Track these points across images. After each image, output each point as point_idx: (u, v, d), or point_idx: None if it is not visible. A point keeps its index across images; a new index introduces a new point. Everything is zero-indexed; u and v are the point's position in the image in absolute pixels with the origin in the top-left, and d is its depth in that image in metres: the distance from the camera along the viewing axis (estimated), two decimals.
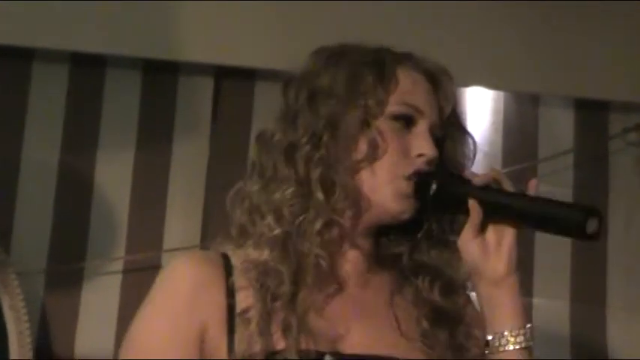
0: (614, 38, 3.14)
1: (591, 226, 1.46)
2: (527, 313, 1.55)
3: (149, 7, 2.96)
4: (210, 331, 1.52)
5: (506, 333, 1.53)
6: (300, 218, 1.54)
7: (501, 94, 3.18)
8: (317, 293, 1.55)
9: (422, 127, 1.59)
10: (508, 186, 1.56)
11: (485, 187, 1.55)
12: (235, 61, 3.03)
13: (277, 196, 1.56)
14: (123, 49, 2.98)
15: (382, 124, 1.57)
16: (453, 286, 1.64)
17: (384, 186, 1.57)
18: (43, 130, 2.99)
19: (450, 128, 1.65)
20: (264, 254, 1.55)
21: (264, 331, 1.49)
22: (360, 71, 1.59)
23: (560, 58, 3.11)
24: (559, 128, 3.20)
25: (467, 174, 1.60)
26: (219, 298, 1.53)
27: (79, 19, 2.95)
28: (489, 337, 1.55)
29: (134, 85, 3.05)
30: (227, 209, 1.63)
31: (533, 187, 1.55)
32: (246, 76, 3.07)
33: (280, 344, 1.50)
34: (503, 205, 1.53)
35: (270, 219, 1.56)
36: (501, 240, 1.54)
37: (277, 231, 1.54)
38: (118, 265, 2.96)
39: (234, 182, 3.13)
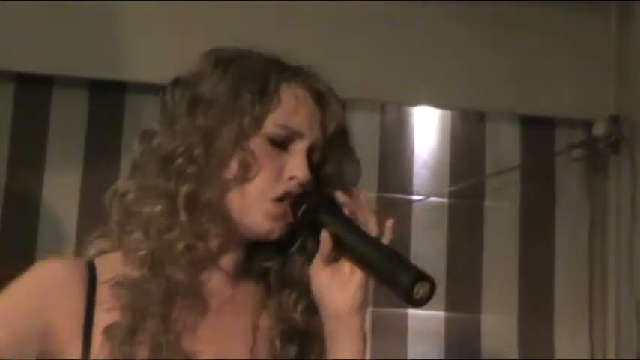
0: (558, 56, 3.19)
1: (420, 290, 1.40)
2: (364, 354, 1.49)
3: (95, 28, 2.96)
4: (60, 335, 1.46)
5: None
6: (165, 237, 1.48)
7: (448, 112, 3.21)
8: (188, 314, 1.50)
9: (298, 149, 1.53)
10: (368, 216, 1.49)
11: (347, 221, 1.49)
12: None
13: (147, 210, 1.50)
14: (69, 70, 2.97)
15: (256, 144, 1.51)
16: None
17: (252, 208, 1.50)
18: None
19: (333, 150, 1.58)
20: (135, 271, 1.49)
21: (126, 351, 1.44)
22: (241, 86, 1.51)
23: (505, 76, 3.15)
24: (505, 145, 3.23)
25: (340, 197, 1.53)
26: (75, 306, 1.48)
27: (25, 40, 2.93)
28: None
29: (81, 103, 3.03)
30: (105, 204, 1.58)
31: (389, 230, 1.49)
32: None
33: None
34: (351, 246, 1.47)
35: (138, 234, 1.50)
36: (352, 277, 1.48)
37: (145, 250, 1.48)
38: None
39: None
